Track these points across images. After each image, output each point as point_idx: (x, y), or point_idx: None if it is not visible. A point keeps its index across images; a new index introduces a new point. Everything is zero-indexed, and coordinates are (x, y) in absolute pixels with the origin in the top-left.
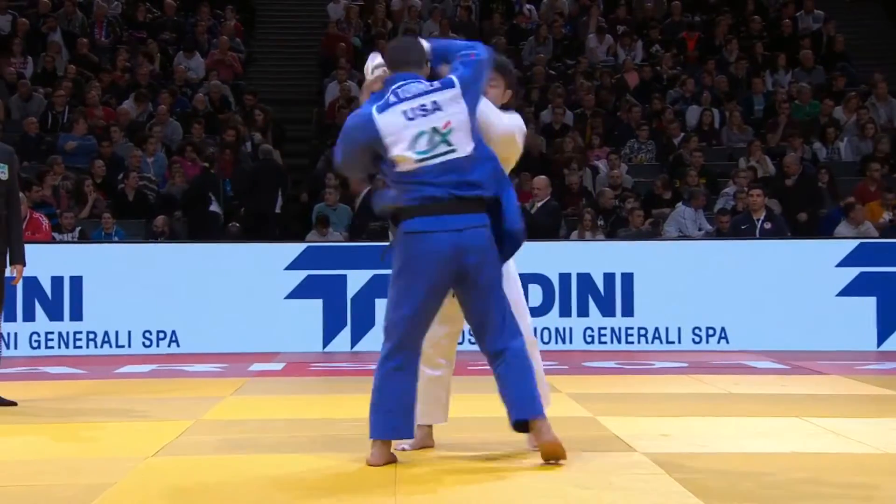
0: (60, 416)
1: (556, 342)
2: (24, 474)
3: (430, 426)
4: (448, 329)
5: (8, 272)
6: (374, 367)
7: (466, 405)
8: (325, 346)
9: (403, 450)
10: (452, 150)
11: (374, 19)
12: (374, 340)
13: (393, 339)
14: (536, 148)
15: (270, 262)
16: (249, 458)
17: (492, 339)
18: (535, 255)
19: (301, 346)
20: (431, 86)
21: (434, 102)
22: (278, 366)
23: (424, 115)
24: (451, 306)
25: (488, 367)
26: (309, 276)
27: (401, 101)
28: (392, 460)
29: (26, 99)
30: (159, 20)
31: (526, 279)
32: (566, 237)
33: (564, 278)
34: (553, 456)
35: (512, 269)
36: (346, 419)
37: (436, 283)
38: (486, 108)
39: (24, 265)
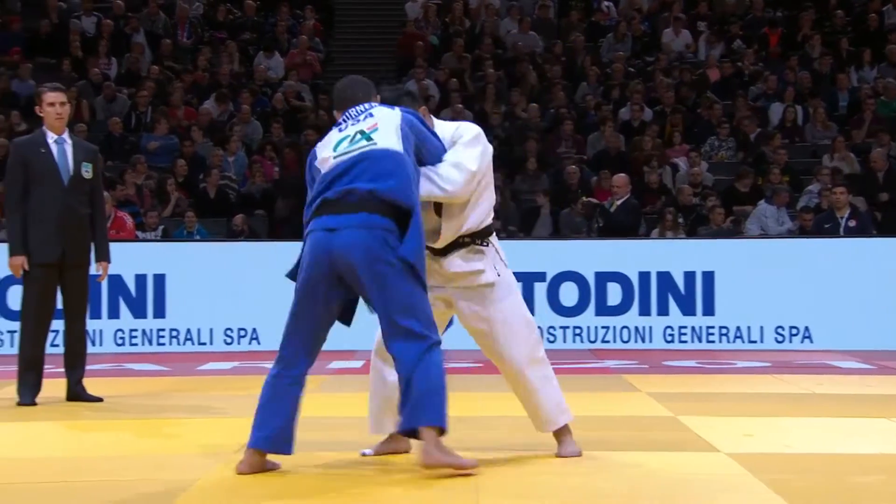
0: (144, 413)
1: (636, 341)
2: (108, 469)
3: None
4: None
5: (93, 269)
6: (452, 365)
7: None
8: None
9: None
10: (372, 144)
11: (451, 17)
12: (453, 339)
13: (280, 347)
14: (614, 146)
15: None
16: (330, 455)
17: (386, 341)
18: (615, 254)
19: (369, 344)
20: (372, 105)
21: (369, 113)
22: (357, 363)
23: (355, 123)
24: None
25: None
26: None
27: (341, 123)
28: (259, 469)
29: (111, 100)
30: (240, 20)
31: (605, 277)
32: (646, 235)
33: (644, 277)
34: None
35: (508, 285)
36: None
37: (308, 285)
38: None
39: (109, 262)
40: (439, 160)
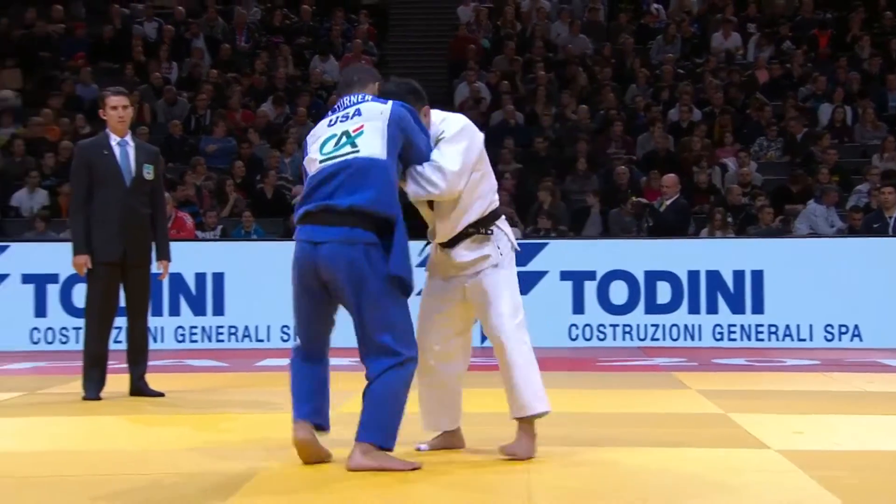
0: (204, 407)
1: (685, 339)
2: (170, 462)
3: (456, 429)
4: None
5: (154, 268)
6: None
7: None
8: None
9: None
10: (356, 152)
11: (503, 21)
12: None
13: (295, 337)
14: (663, 146)
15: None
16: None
17: (361, 350)
18: (664, 253)
19: None
20: (364, 98)
21: (358, 110)
22: None
23: (344, 122)
24: (458, 307)
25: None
26: None
27: (333, 112)
28: (314, 441)
29: (171, 103)
30: (296, 25)
31: (655, 276)
32: (695, 235)
33: (693, 276)
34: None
35: (509, 261)
36: (474, 413)
37: (304, 290)
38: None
39: (170, 261)
40: (426, 159)
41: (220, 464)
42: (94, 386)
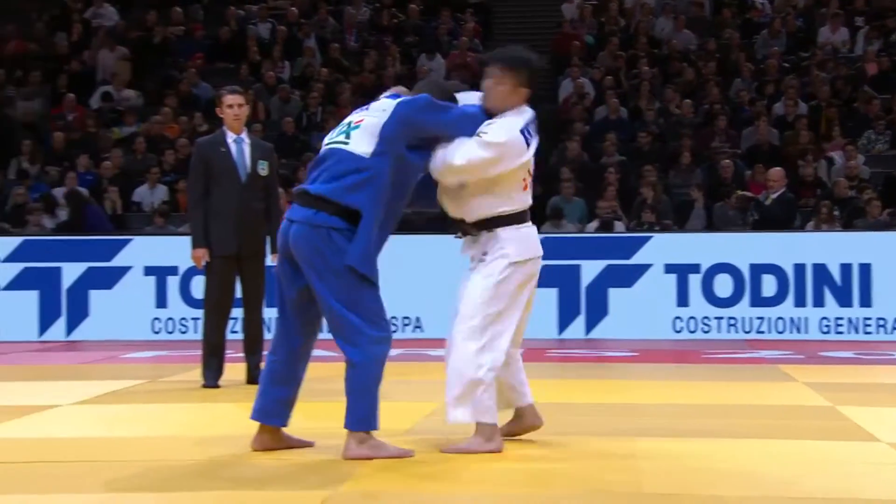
0: (316, 396)
1: (791, 332)
2: (282, 451)
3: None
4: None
5: (269, 261)
6: (610, 353)
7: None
8: (560, 333)
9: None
10: (346, 143)
11: (607, 17)
12: (609, 327)
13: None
14: (768, 140)
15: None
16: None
17: (331, 333)
18: (770, 246)
19: (537, 332)
20: (383, 98)
21: (368, 106)
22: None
23: (358, 111)
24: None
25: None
26: (545, 266)
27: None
28: (270, 445)
29: (286, 101)
30: (403, 24)
31: (760, 269)
32: (801, 228)
33: (799, 269)
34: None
35: (494, 264)
36: (581, 403)
37: (280, 263)
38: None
39: None
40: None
41: (329, 451)
42: (212, 374)
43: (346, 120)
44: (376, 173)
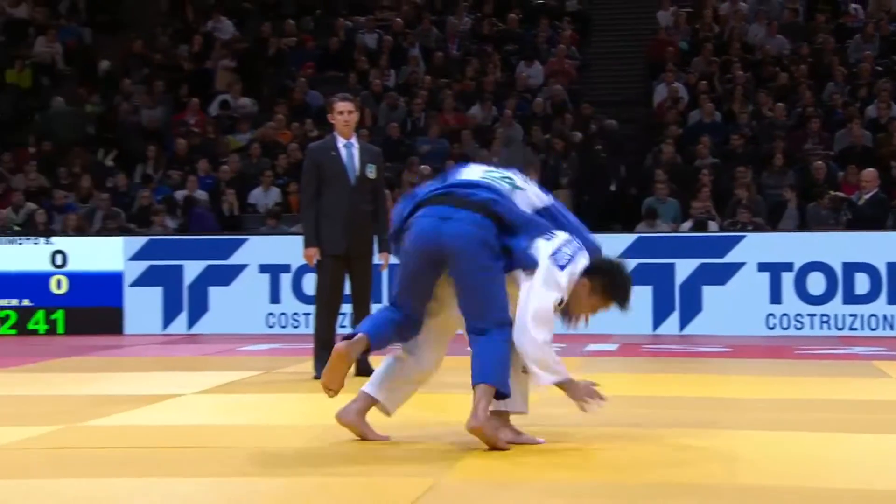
0: (427, 387)
1: (884, 329)
2: (392, 436)
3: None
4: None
5: (376, 259)
6: (704, 349)
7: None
8: (655, 329)
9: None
10: (503, 181)
11: (701, 24)
12: (703, 324)
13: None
14: (860, 142)
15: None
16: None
17: (466, 323)
18: (862, 245)
19: (632, 328)
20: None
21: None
22: (613, 346)
23: (494, 170)
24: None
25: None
26: (640, 264)
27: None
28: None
29: (393, 108)
30: (503, 33)
31: (853, 268)
32: (893, 228)
33: (893, 267)
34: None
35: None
36: (675, 397)
37: (413, 257)
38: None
39: (391, 253)
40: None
41: (435, 440)
42: (323, 367)
43: (489, 169)
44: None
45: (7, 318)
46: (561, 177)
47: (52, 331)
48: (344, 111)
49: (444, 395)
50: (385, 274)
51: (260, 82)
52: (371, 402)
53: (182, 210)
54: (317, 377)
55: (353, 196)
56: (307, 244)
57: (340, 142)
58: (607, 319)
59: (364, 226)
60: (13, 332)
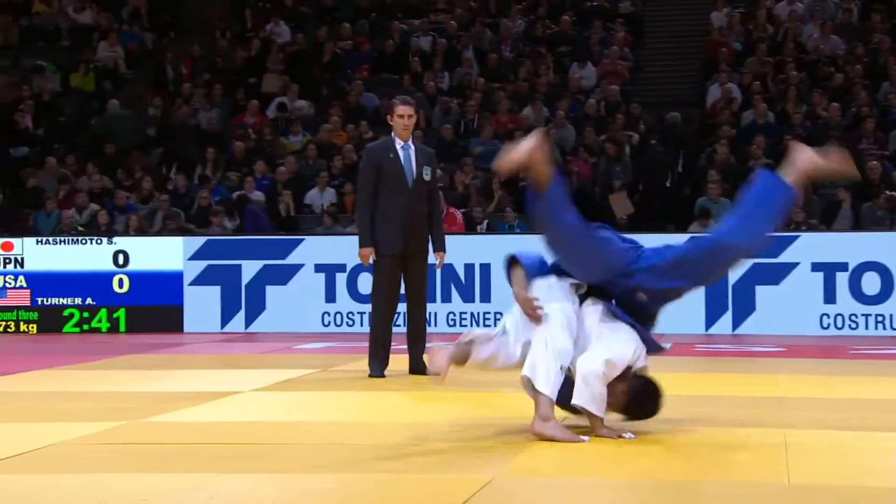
0: (478, 386)
1: None
2: (448, 433)
3: None
4: None
5: (431, 259)
6: (757, 349)
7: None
8: (707, 329)
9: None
10: None
11: (755, 25)
12: (756, 324)
13: None
14: None
15: None
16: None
17: None
18: None
19: (684, 328)
20: None
21: None
22: (665, 345)
23: None
24: None
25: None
26: None
27: None
28: None
29: (446, 112)
30: (556, 35)
31: None
32: None
33: None
34: None
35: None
36: (728, 396)
37: None
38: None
39: (445, 252)
40: None
41: (491, 439)
42: (378, 365)
43: None
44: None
45: (71, 316)
46: (614, 179)
47: (114, 329)
48: (404, 114)
49: (493, 393)
50: (438, 273)
51: (316, 85)
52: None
53: (237, 210)
54: (372, 375)
55: (410, 198)
56: (362, 244)
57: (398, 144)
58: (660, 319)
59: (420, 226)
60: (76, 330)
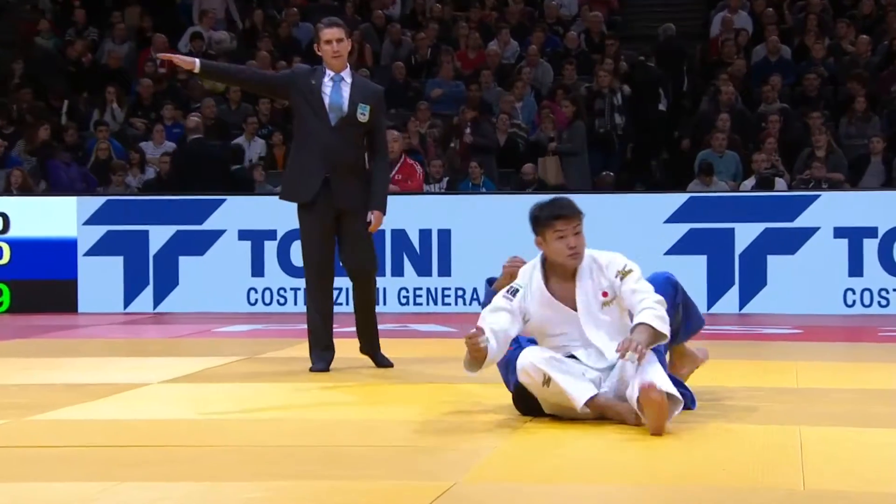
0: (430, 378)
1: None
2: (396, 435)
3: None
4: None
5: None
6: (768, 331)
7: None
8: (709, 308)
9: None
10: None
11: None
12: (767, 301)
13: None
14: None
15: (649, 215)
16: None
17: None
18: None
19: None
20: None
21: None
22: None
23: None
24: None
25: None
26: (692, 229)
27: None
28: None
29: (397, 45)
30: None
31: None
32: None
33: None
34: None
35: None
36: (736, 387)
37: None
38: None
39: (384, 212)
40: None
41: (454, 437)
42: (320, 356)
43: None
44: None
45: None
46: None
47: None
48: (332, 39)
49: (446, 386)
50: (387, 241)
51: (240, 12)
52: None
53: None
54: (314, 369)
55: (332, 138)
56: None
57: (328, 74)
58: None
59: (349, 176)
60: None
